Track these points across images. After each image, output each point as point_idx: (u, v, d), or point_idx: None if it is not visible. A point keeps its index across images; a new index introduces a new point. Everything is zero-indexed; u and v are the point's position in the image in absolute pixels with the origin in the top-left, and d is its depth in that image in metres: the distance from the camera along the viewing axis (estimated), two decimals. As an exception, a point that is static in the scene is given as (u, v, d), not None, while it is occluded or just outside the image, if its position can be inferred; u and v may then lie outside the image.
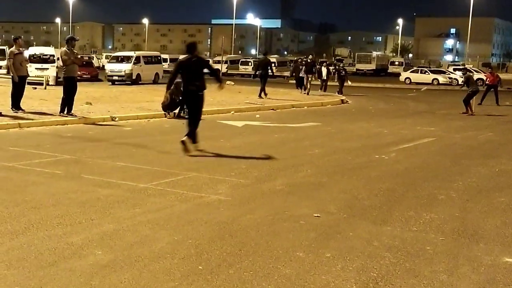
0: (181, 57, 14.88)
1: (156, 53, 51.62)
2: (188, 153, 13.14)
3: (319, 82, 41.26)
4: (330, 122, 21.77)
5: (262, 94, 31.11)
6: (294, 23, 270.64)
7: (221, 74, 20.62)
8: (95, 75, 48.04)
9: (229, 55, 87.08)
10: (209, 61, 12.83)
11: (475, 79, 31.52)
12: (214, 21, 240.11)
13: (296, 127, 19.71)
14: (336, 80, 40.40)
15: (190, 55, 13.70)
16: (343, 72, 40.51)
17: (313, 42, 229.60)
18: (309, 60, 37.50)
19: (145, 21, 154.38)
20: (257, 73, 32.93)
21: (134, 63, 43.70)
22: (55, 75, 38.49)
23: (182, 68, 13.72)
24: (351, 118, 23.84)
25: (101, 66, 68.59)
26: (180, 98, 21.10)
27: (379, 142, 16.50)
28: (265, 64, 32.54)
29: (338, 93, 38.03)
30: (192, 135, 13.58)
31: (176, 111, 21.42)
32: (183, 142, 13.30)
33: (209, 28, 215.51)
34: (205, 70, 13.75)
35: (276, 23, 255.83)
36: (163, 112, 21.41)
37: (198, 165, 11.77)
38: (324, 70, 41.24)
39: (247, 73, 70.20)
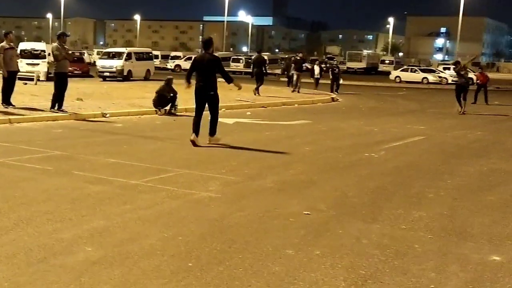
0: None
1: (148, 50, 51.51)
2: (219, 142, 14.23)
3: (311, 80, 41.19)
4: (321, 120, 21.79)
5: (256, 92, 31.13)
6: (286, 21, 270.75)
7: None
8: (86, 71, 47.84)
9: (220, 52, 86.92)
10: (220, 60, 13.81)
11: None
12: (206, 18, 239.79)
13: (287, 124, 19.73)
14: (330, 78, 40.11)
15: (205, 51, 14.16)
16: (336, 70, 40.37)
17: (305, 40, 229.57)
18: (298, 58, 37.29)
19: (137, 17, 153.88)
20: (253, 71, 32.98)
21: (126, 60, 43.59)
22: (46, 70, 38.33)
23: (196, 64, 14.16)
24: (342, 116, 23.86)
25: (92, 62, 68.36)
26: (171, 95, 21.12)
27: (369, 140, 16.53)
28: (260, 62, 32.64)
29: (335, 91, 37.96)
30: (211, 131, 14.40)
31: (167, 107, 21.39)
32: (192, 142, 13.93)
33: (201, 25, 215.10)
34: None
35: (268, 21, 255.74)
36: (154, 109, 21.39)
37: (189, 162, 11.76)
38: (316, 68, 41.11)
39: (239, 70, 70.05)
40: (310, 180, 10.54)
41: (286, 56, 74.90)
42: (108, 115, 19.70)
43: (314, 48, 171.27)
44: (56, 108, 19.35)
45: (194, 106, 14.51)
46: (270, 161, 12.39)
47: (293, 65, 37.12)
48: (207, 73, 13.96)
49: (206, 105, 14.38)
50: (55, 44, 19.55)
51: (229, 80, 14.73)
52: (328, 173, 11.35)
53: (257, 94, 30.76)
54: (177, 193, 9.02)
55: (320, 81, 41.38)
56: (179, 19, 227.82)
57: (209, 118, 14.40)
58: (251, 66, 35.03)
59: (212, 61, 14.00)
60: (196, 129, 14.16)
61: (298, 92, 34.84)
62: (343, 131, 18.55)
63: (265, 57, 40.45)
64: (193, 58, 14.81)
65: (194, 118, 14.31)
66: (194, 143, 13.96)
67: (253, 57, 39.43)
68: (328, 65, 45.25)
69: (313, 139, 16.34)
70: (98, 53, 76.22)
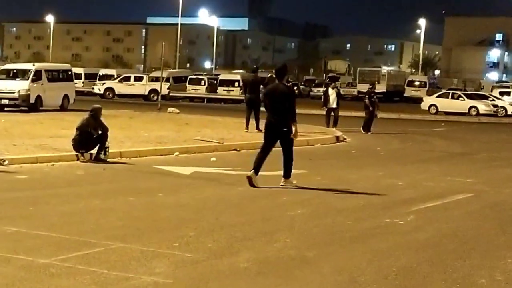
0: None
1: (66, 66, 51.51)
2: (293, 184, 17.48)
3: (323, 112, 39.34)
4: (320, 169, 21.85)
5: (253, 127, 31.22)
6: (269, 24, 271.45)
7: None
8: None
9: (172, 70, 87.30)
10: (295, 93, 19.03)
11: None
12: (150, 20, 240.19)
13: (269, 176, 19.70)
14: (365, 111, 38.60)
15: (279, 81, 17.73)
16: (374, 97, 39.01)
17: (296, 51, 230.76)
18: (274, 76, 35.36)
19: (50, 18, 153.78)
20: (244, 96, 32.89)
21: (33, 80, 43.42)
22: None
23: (267, 96, 17.90)
24: (351, 164, 23.94)
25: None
26: (100, 132, 21.11)
27: (391, 199, 16.60)
28: (255, 84, 32.15)
29: (364, 130, 37.31)
30: (285, 172, 17.58)
31: (94, 151, 21.34)
32: (249, 179, 17.10)
33: (144, 30, 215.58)
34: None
35: (241, 23, 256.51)
36: (74, 153, 21.33)
37: (124, 231, 11.74)
38: (332, 94, 39.09)
39: (199, 96, 70.33)
40: (303, 257, 10.55)
41: (269, 74, 75.16)
42: (6, 162, 19.63)
43: (309, 63, 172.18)
44: None
45: (263, 142, 17.94)
46: (245, 229, 12.40)
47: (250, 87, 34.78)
48: (280, 107, 17.13)
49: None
50: None
51: (293, 119, 17.29)
52: (330, 247, 11.37)
53: (257, 130, 30.93)
54: (108, 278, 8.99)
55: (340, 113, 39.37)
56: (112, 22, 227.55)
57: (282, 157, 17.55)
58: (244, 90, 34.76)
59: (285, 94, 17.22)
60: (257, 165, 17.36)
61: None
62: (353, 186, 18.59)
63: (238, 77, 39.82)
64: (265, 88, 18.83)
65: (259, 153, 17.64)
66: (250, 182, 17.01)
67: (246, 77, 38.54)
68: (369, 89, 41.39)
69: (308, 197, 16.38)
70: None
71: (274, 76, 35.54)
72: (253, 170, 17.23)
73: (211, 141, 27.15)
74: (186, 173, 19.47)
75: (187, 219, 13.08)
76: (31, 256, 9.87)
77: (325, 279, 9.40)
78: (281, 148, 17.62)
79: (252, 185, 16.98)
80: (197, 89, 72.90)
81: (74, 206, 14.05)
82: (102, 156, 21.32)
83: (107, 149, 21.45)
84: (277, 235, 12.02)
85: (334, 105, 38.46)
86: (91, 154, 21.33)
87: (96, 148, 21.38)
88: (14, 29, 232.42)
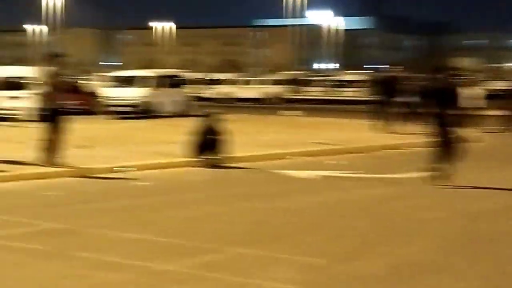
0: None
1: (179, 72, 51.98)
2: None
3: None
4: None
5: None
6: (384, 23, 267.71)
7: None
8: (88, 105, 47.66)
9: (289, 72, 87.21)
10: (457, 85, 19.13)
11: None
12: (259, 23, 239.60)
13: (402, 179, 19.32)
14: None
15: (439, 75, 18.35)
16: None
17: (418, 49, 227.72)
18: (393, 75, 33.48)
19: (165, 25, 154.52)
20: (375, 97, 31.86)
21: (151, 87, 43.84)
22: (33, 106, 38.70)
23: (433, 93, 18.10)
24: (487, 165, 22.19)
25: (94, 92, 68.89)
26: (217, 136, 21.21)
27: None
28: (388, 83, 31.50)
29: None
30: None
31: (214, 156, 21.35)
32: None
33: (256, 33, 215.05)
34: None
35: (358, 23, 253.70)
36: (192, 159, 21.39)
37: (245, 237, 11.79)
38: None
39: (320, 98, 70.02)
40: (445, 263, 10.33)
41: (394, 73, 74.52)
42: (125, 169, 19.81)
43: (433, 61, 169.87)
44: (50, 160, 19.51)
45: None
46: (376, 233, 12.36)
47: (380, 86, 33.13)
48: (448, 101, 17.46)
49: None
50: (48, 68, 19.87)
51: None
52: (466, 251, 11.16)
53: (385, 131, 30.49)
54: (233, 284, 9.07)
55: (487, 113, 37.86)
56: (222, 26, 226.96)
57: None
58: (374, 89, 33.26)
59: (452, 89, 17.83)
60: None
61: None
62: (487, 187, 17.90)
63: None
64: (423, 85, 19.65)
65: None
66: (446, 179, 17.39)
67: (377, 76, 36.96)
68: None
69: (438, 199, 16.12)
70: (105, 79, 76.97)
71: (396, 73, 35.50)
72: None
73: (332, 144, 27.06)
74: (305, 176, 19.40)
75: (310, 223, 13.05)
76: (151, 262, 9.98)
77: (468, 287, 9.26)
78: (426, 149, 18.61)
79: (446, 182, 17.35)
80: (318, 91, 72.64)
81: (192, 212, 14.17)
82: (219, 161, 21.44)
83: (224, 154, 21.55)
84: (412, 239, 11.94)
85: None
86: (208, 159, 21.46)
87: (213, 153, 21.50)
88: (126, 36, 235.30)
